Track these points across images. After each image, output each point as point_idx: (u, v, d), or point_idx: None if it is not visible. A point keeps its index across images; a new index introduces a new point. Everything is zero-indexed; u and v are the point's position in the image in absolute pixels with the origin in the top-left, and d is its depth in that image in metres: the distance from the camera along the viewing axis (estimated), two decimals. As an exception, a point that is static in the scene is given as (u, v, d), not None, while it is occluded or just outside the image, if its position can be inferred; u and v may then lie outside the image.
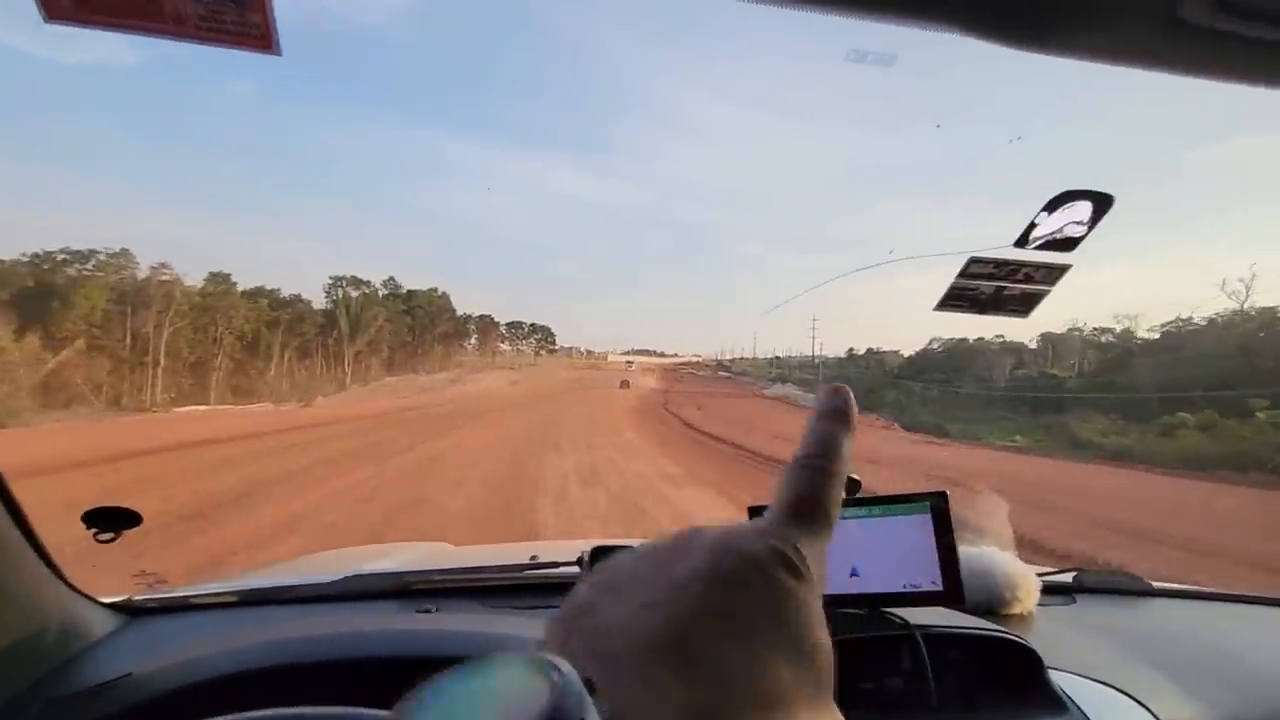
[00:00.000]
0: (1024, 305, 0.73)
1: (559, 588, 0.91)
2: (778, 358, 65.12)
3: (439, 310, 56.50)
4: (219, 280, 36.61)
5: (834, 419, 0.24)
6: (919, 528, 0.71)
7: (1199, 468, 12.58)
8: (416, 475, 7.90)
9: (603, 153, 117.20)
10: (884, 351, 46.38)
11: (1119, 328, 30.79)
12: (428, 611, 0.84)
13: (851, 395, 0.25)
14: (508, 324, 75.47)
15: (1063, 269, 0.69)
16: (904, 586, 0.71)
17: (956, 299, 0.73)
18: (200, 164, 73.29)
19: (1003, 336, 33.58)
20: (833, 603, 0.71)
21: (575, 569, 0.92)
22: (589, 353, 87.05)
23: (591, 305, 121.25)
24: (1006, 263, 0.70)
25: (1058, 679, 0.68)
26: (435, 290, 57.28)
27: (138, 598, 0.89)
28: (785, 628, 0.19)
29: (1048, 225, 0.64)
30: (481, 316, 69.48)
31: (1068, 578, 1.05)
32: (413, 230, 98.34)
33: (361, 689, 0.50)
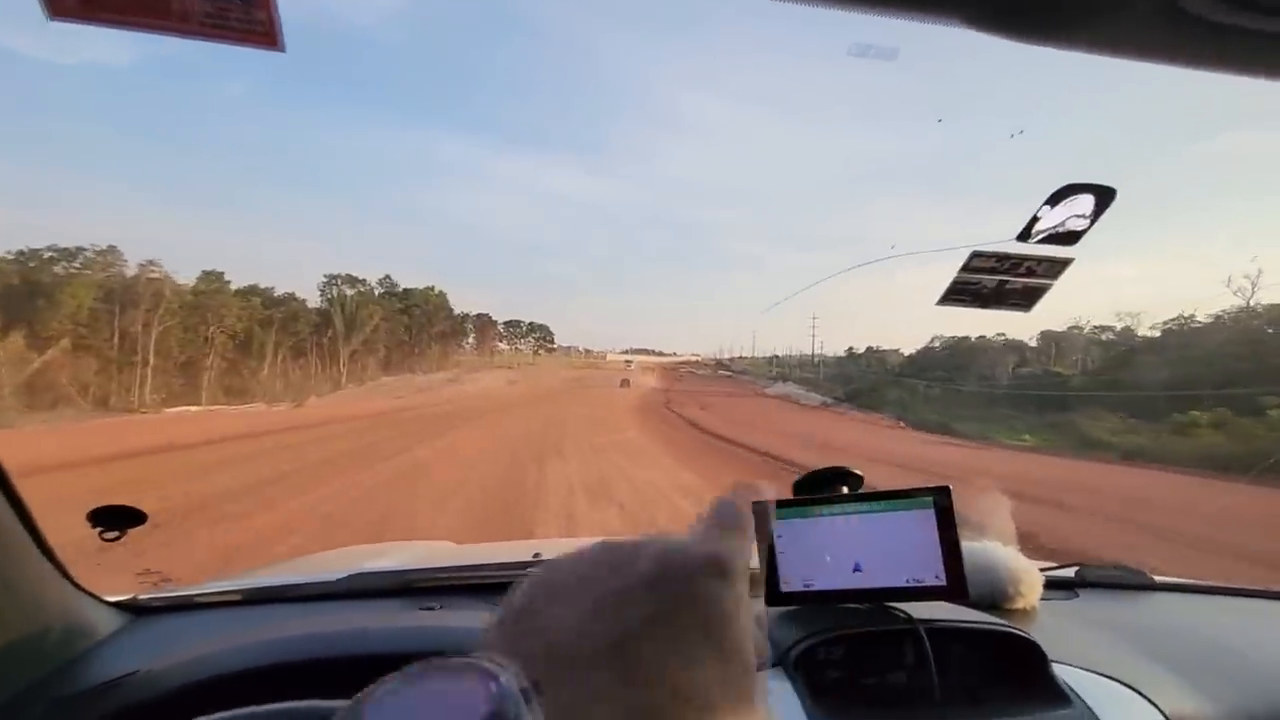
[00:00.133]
0: (1027, 299, 0.74)
1: None
2: (776, 356, 65.05)
3: (436, 309, 55.92)
4: (211, 279, 36.00)
5: (729, 530, 0.25)
6: (922, 523, 0.71)
7: (1215, 467, 12.27)
8: (400, 486, 7.11)
9: (600, 152, 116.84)
10: (884, 350, 46.29)
11: (1119, 325, 30.68)
12: (431, 609, 0.84)
13: (756, 514, 0.26)
14: (505, 323, 75.06)
15: (1065, 263, 0.70)
16: (907, 581, 0.71)
17: (960, 293, 0.74)
18: (195, 163, 72.92)
19: (1004, 334, 33.46)
20: (837, 598, 0.72)
21: None
22: (587, 352, 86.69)
23: (589, 304, 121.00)
24: (1009, 256, 0.70)
25: (1061, 673, 0.68)
26: (432, 289, 56.75)
27: (142, 596, 0.89)
28: (719, 632, 0.21)
29: (1050, 219, 0.64)
30: (479, 315, 68.96)
31: (1069, 572, 1.05)
32: (409, 230, 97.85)
33: (366, 686, 0.46)
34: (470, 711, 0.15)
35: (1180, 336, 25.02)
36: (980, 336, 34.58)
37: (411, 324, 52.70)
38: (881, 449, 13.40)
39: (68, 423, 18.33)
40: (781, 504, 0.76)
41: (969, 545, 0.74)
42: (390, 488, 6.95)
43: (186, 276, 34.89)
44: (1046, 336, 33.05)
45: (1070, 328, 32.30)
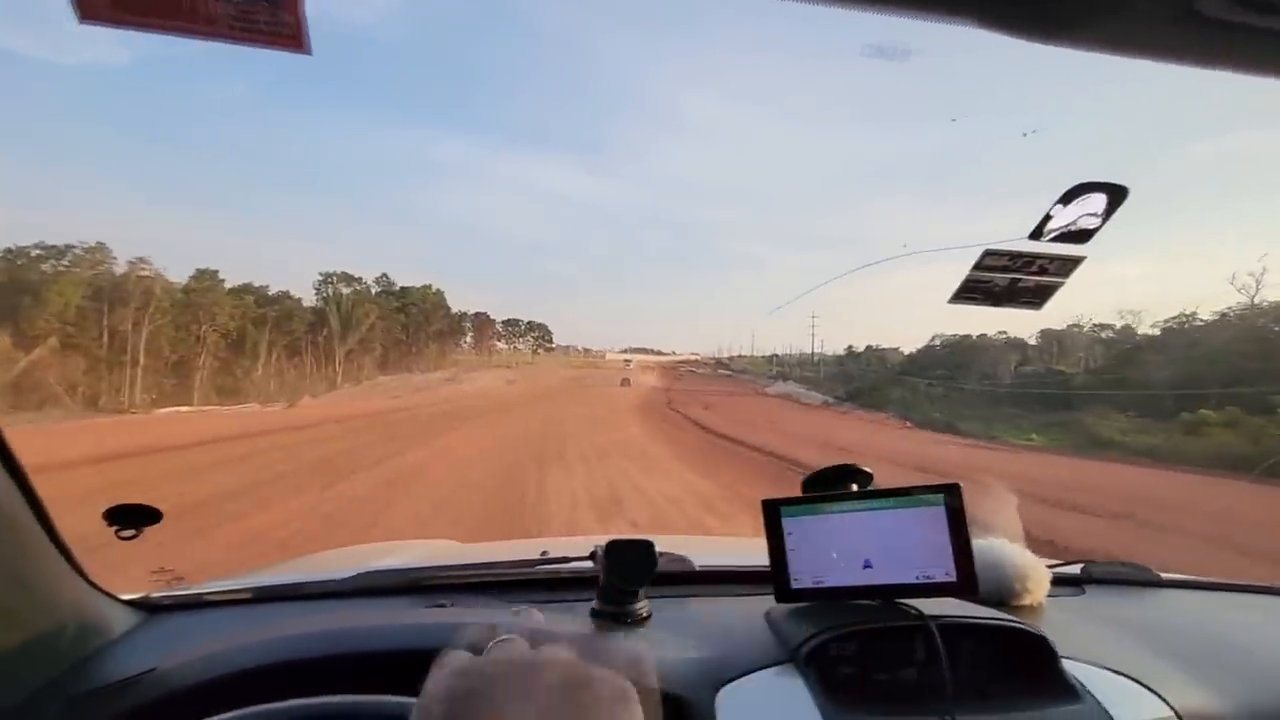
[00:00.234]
0: (1039, 297, 0.74)
1: (571, 583, 0.92)
2: (776, 355, 64.88)
3: (433, 308, 55.40)
4: (205, 277, 35.42)
5: None
6: (932, 519, 0.72)
7: (1229, 467, 11.98)
8: (384, 497, 6.24)
9: (599, 151, 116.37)
10: (884, 349, 46.13)
11: (1119, 323, 30.52)
12: (442, 606, 0.84)
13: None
14: (504, 322, 74.60)
15: (1077, 261, 0.71)
16: (917, 578, 0.72)
17: (972, 291, 0.74)
18: (192, 163, 72.38)
19: (1005, 333, 33.26)
20: (847, 594, 0.74)
21: (588, 564, 0.86)
22: (586, 351, 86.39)
23: (588, 303, 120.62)
24: (1022, 254, 0.71)
25: (1071, 668, 0.69)
26: (429, 287, 56.23)
27: (154, 594, 0.90)
28: None
29: (1063, 217, 0.64)
30: (477, 314, 68.47)
31: (1076, 569, 1.06)
32: (407, 229, 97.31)
33: (380, 682, 0.53)
34: None
35: (1183, 335, 24.83)
36: (981, 335, 34.46)
37: (408, 323, 52.18)
38: (899, 450, 13.05)
39: (52, 423, 17.81)
40: (791, 501, 0.77)
41: (976, 542, 0.73)
42: (372, 500, 6.24)
43: (182, 275, 34.53)
44: (1047, 335, 32.94)
45: (1070, 326, 32.20)
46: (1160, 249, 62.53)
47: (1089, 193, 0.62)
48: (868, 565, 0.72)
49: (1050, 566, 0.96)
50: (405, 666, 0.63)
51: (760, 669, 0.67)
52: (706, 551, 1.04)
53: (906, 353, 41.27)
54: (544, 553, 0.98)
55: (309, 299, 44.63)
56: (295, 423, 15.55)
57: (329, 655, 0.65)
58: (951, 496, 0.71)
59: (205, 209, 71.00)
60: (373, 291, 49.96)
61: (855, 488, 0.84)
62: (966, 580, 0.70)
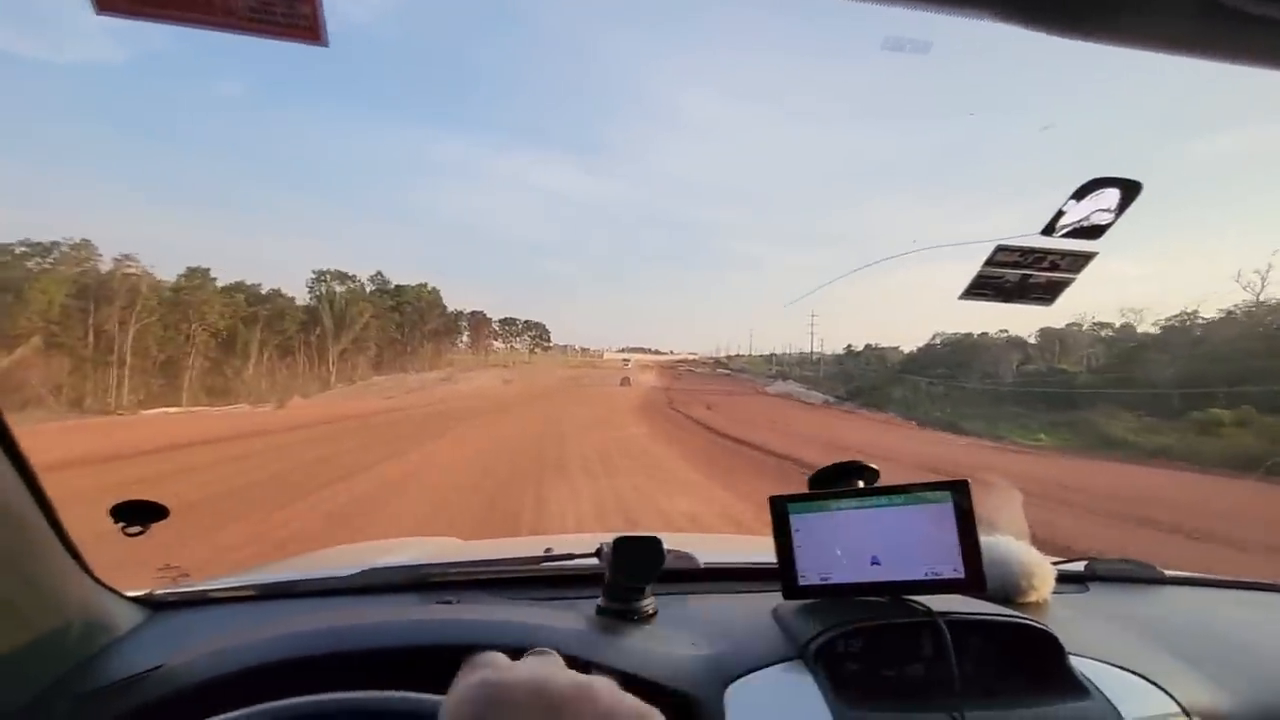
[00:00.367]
0: (1050, 293, 0.74)
1: (576, 580, 0.92)
2: (774, 355, 64.66)
3: (429, 306, 54.74)
4: (195, 275, 34.70)
5: None
6: (939, 516, 0.72)
7: (1241, 466, 11.63)
8: (364, 512, 5.62)
9: (597, 150, 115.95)
10: (884, 347, 45.89)
11: (1119, 322, 30.30)
12: (448, 603, 0.84)
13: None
14: (501, 321, 73.79)
15: (1088, 257, 0.70)
16: (925, 574, 0.72)
17: (983, 287, 0.74)
18: (186, 161, 71.48)
19: (1006, 331, 33.01)
20: (855, 591, 0.74)
21: (593, 561, 0.86)
22: (584, 350, 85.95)
23: (586, 303, 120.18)
24: (1032, 250, 0.70)
25: (1077, 664, 0.69)
26: (425, 286, 55.55)
27: (159, 591, 0.90)
28: None
29: (1074, 213, 0.64)
30: (474, 313, 67.62)
31: (1080, 566, 1.06)
32: (403, 228, 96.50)
33: (385, 679, 0.54)
34: None
35: (1185, 333, 24.62)
36: (982, 333, 34.26)
37: (404, 322, 51.51)
38: (914, 451, 12.63)
39: (33, 424, 17.15)
40: (798, 498, 0.77)
41: (982, 539, 0.74)
42: (348, 517, 5.55)
43: (173, 274, 33.74)
44: (1047, 333, 32.70)
45: (1070, 324, 31.98)
46: (1160, 247, 62.43)
47: (1101, 188, 0.61)
48: (875, 562, 0.73)
49: (1055, 563, 0.95)
50: (411, 663, 0.62)
51: (768, 666, 0.67)
52: (712, 549, 1.02)
53: (906, 351, 41.03)
54: (549, 550, 0.97)
55: (302, 297, 43.98)
56: (274, 426, 14.76)
57: (334, 652, 0.66)
58: (959, 493, 0.72)
59: (202, 208, 70.24)
60: (367, 290, 49.29)
61: (862, 485, 0.82)
62: (975, 577, 0.70)
